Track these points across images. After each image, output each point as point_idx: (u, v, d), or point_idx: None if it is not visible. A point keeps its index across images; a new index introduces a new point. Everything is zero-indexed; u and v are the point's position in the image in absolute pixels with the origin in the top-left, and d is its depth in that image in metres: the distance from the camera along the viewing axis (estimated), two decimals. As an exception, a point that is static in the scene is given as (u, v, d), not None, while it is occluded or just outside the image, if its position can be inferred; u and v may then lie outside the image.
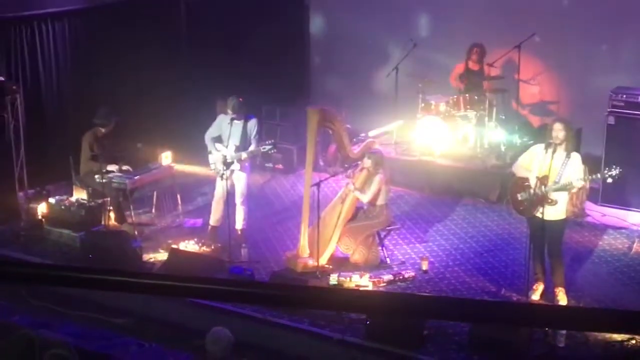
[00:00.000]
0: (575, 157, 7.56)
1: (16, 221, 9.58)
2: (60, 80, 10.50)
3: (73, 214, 9.27)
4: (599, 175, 7.71)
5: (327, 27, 13.01)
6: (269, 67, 12.30)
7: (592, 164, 7.98)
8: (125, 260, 8.55)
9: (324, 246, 8.57)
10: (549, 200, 7.50)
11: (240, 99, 8.97)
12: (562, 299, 7.78)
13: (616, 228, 9.55)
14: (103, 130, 9.45)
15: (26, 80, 9.95)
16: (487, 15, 11.44)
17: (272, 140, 9.35)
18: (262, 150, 9.10)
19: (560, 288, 7.81)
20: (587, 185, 7.71)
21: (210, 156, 9.12)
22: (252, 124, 9.02)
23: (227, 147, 8.87)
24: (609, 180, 7.74)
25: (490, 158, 10.70)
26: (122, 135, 9.76)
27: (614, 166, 7.63)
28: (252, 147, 9.00)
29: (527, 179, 7.64)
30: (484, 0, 11.59)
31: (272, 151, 9.23)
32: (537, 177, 7.55)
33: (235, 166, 8.96)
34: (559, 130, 7.48)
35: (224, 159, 8.80)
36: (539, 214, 7.57)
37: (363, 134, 11.27)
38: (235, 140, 8.93)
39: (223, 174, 8.83)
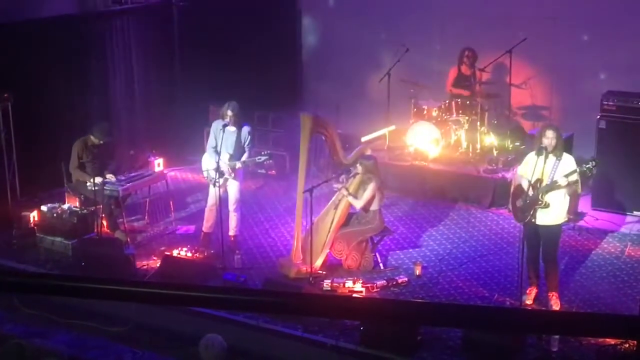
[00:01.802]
0: (567, 157, 7.60)
1: (8, 229, 9.54)
2: (51, 87, 10.46)
3: (65, 222, 9.23)
4: (578, 170, 7.60)
5: (319, 33, 13.03)
6: (261, 74, 12.30)
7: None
8: (117, 268, 8.52)
9: (317, 252, 8.56)
10: (539, 202, 7.51)
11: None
12: (555, 304, 7.81)
13: (609, 232, 9.58)
14: (93, 139, 9.41)
15: (17, 88, 9.91)
16: (478, 21, 11.48)
17: (269, 151, 9.30)
18: (257, 160, 9.06)
19: (553, 293, 7.84)
20: (579, 188, 7.65)
21: (203, 164, 9.11)
22: (246, 132, 9.00)
23: (219, 154, 8.85)
24: (588, 173, 7.72)
25: (483, 163, 10.72)
26: (114, 142, 9.74)
27: (589, 160, 7.64)
28: (245, 157, 8.98)
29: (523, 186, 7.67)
30: (475, 6, 11.62)
31: (268, 162, 9.20)
32: (530, 182, 7.58)
33: (229, 174, 8.94)
34: (552, 138, 7.51)
35: (217, 167, 8.78)
36: (533, 219, 7.58)
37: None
38: (229, 149, 8.91)
39: (216, 181, 8.81)
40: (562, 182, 7.45)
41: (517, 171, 7.99)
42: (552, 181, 7.48)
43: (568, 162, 7.58)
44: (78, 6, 11.26)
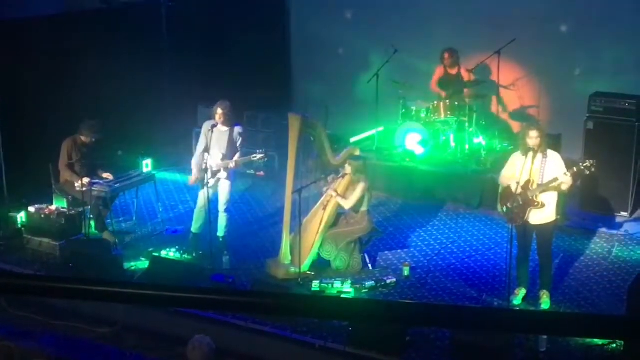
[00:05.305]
0: (552, 154, 7.61)
1: (-5, 230, 9.49)
2: (39, 87, 10.42)
3: (53, 223, 9.20)
4: (575, 170, 7.59)
5: (308, 34, 13.03)
6: (250, 74, 12.29)
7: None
8: (105, 269, 8.50)
9: (305, 253, 8.56)
10: (535, 203, 7.53)
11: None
12: (546, 303, 7.82)
13: (596, 232, 9.62)
14: (83, 138, 9.39)
15: (4, 88, 9.85)
16: (467, 22, 11.51)
17: (263, 149, 9.21)
18: (252, 159, 8.99)
19: (545, 291, 7.85)
20: (571, 182, 7.61)
21: (193, 163, 9.06)
22: (238, 132, 8.97)
23: (210, 154, 8.81)
24: (586, 172, 7.68)
25: (471, 163, 10.75)
26: (102, 142, 9.70)
27: (587, 160, 7.62)
28: (237, 156, 8.93)
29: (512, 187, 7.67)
30: (464, 7, 11.65)
31: (264, 160, 9.08)
32: (518, 183, 7.58)
33: (222, 174, 8.93)
34: (535, 138, 7.54)
35: (206, 168, 8.75)
36: (527, 220, 7.60)
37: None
38: (222, 149, 8.89)
39: (207, 182, 8.79)
40: (564, 178, 7.44)
41: (502, 173, 7.94)
42: (549, 180, 7.47)
43: (555, 158, 7.59)
44: (65, 6, 11.21)
